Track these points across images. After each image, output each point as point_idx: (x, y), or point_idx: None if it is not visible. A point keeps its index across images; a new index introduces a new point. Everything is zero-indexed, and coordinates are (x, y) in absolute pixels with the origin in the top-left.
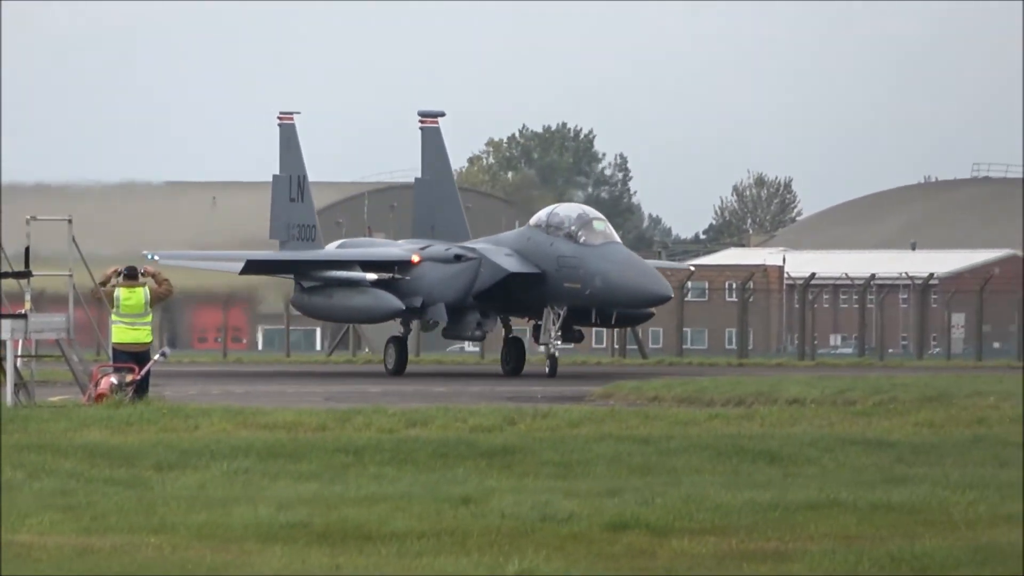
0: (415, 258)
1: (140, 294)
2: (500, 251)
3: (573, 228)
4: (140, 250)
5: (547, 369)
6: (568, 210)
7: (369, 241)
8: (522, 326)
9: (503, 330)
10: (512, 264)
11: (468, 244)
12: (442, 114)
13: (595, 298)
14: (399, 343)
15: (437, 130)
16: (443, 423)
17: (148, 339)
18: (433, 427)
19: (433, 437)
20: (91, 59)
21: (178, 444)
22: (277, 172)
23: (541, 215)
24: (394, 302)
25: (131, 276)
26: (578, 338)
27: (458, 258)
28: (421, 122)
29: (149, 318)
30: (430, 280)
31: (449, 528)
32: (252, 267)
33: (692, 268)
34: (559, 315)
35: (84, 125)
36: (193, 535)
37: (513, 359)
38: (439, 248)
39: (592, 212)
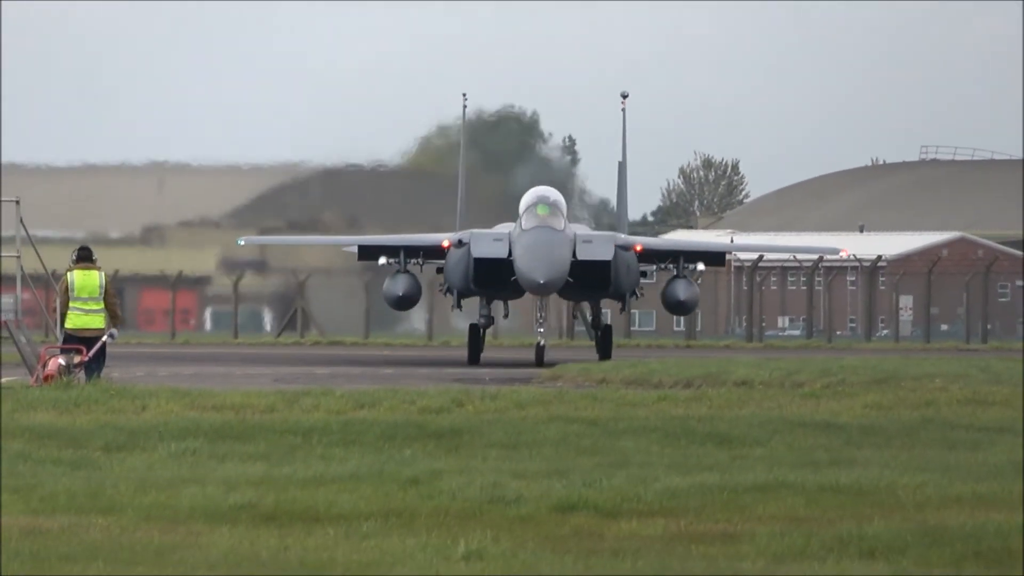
0: (445, 243)
1: (95, 277)
2: (489, 237)
3: (523, 212)
4: (92, 231)
5: (534, 357)
6: (531, 193)
7: None
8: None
9: (590, 317)
10: (486, 250)
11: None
12: (626, 95)
13: (519, 283)
14: (472, 331)
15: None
16: (391, 405)
17: (101, 324)
18: (381, 409)
19: (381, 419)
20: (40, 40)
21: (126, 425)
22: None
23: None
24: (392, 289)
25: (85, 258)
26: (597, 325)
27: (461, 243)
28: (622, 104)
29: (102, 304)
30: (449, 266)
31: (397, 509)
32: (362, 253)
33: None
34: (544, 302)
35: (30, 106)
36: (141, 516)
37: (603, 346)
38: (458, 234)
39: (545, 196)
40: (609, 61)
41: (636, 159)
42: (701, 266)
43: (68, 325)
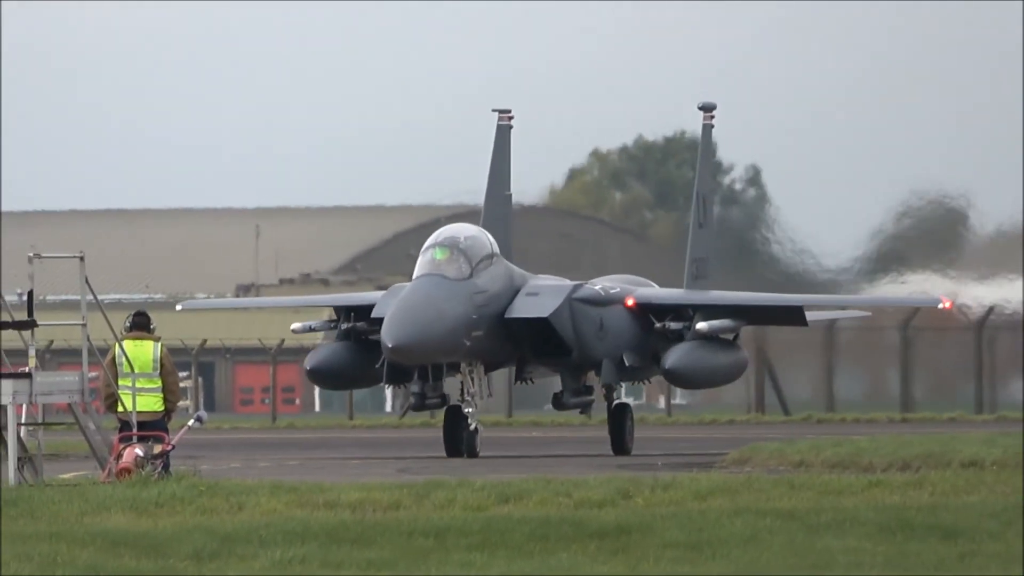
0: None
1: (148, 349)
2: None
3: (420, 256)
4: (173, 292)
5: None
6: (436, 232)
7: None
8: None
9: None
10: (382, 308)
11: None
12: (706, 107)
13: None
14: (449, 414)
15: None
16: (542, 497)
17: (157, 407)
18: (531, 503)
19: (531, 515)
20: (100, 84)
21: (219, 529)
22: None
23: None
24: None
25: (140, 326)
26: (561, 404)
27: None
28: (705, 119)
29: (159, 383)
30: None
31: None
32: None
33: None
34: (471, 371)
35: (102, 153)
36: None
37: (614, 434)
38: None
39: (451, 236)
40: (794, 83)
41: (837, 191)
42: (702, 325)
43: (119, 409)
